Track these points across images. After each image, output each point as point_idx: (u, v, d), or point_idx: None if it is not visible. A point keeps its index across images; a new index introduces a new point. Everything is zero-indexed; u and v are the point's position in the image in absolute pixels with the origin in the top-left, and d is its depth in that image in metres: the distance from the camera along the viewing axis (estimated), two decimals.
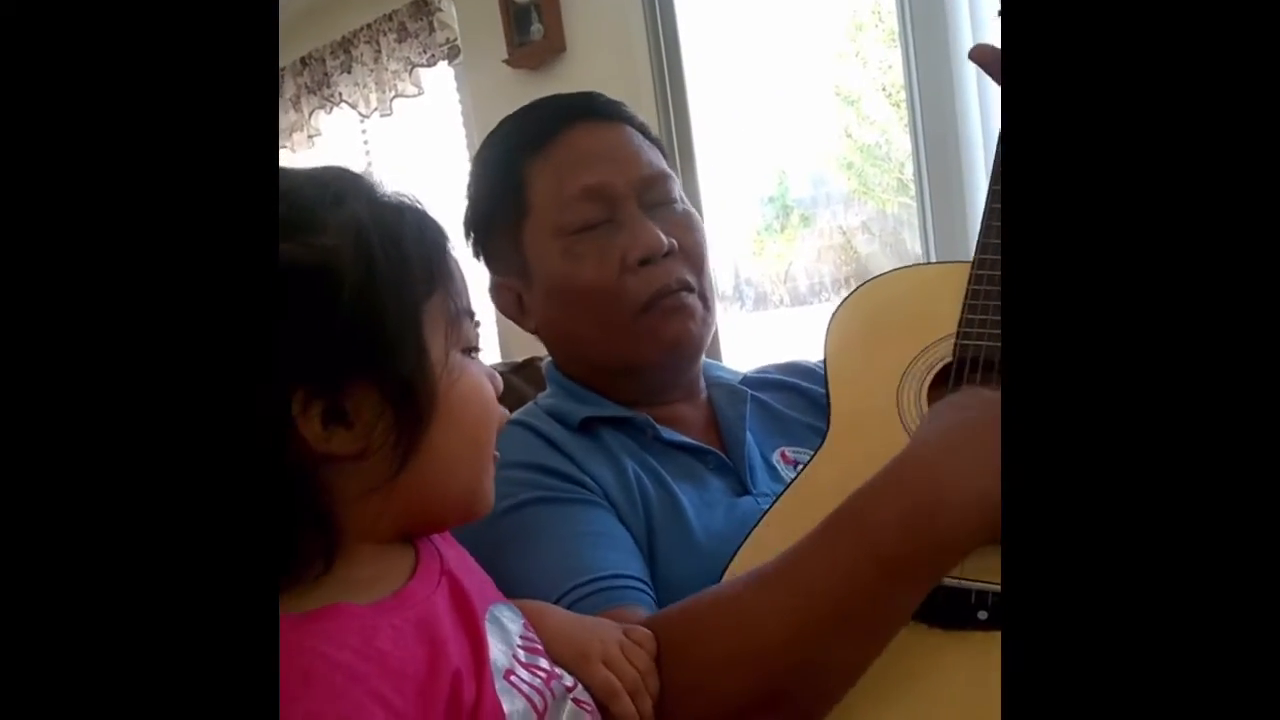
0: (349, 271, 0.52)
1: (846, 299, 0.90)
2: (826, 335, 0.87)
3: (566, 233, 0.88)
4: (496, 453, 0.62)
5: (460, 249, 0.68)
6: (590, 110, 0.92)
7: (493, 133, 0.95)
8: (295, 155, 3.25)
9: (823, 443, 0.79)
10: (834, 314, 0.89)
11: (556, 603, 0.70)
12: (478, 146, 0.96)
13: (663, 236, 0.87)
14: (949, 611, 0.62)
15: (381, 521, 0.55)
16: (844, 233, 2.53)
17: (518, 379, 1.14)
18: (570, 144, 0.90)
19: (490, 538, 0.75)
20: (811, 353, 1.06)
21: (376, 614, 0.50)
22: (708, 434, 0.93)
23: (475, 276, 0.65)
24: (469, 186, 0.96)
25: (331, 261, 0.51)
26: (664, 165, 0.93)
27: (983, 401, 0.68)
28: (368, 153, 3.18)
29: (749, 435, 0.92)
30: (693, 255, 0.90)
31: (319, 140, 3.25)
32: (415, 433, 0.54)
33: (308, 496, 0.51)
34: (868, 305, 0.89)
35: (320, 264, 0.51)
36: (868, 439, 0.76)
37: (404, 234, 0.56)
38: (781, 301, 2.51)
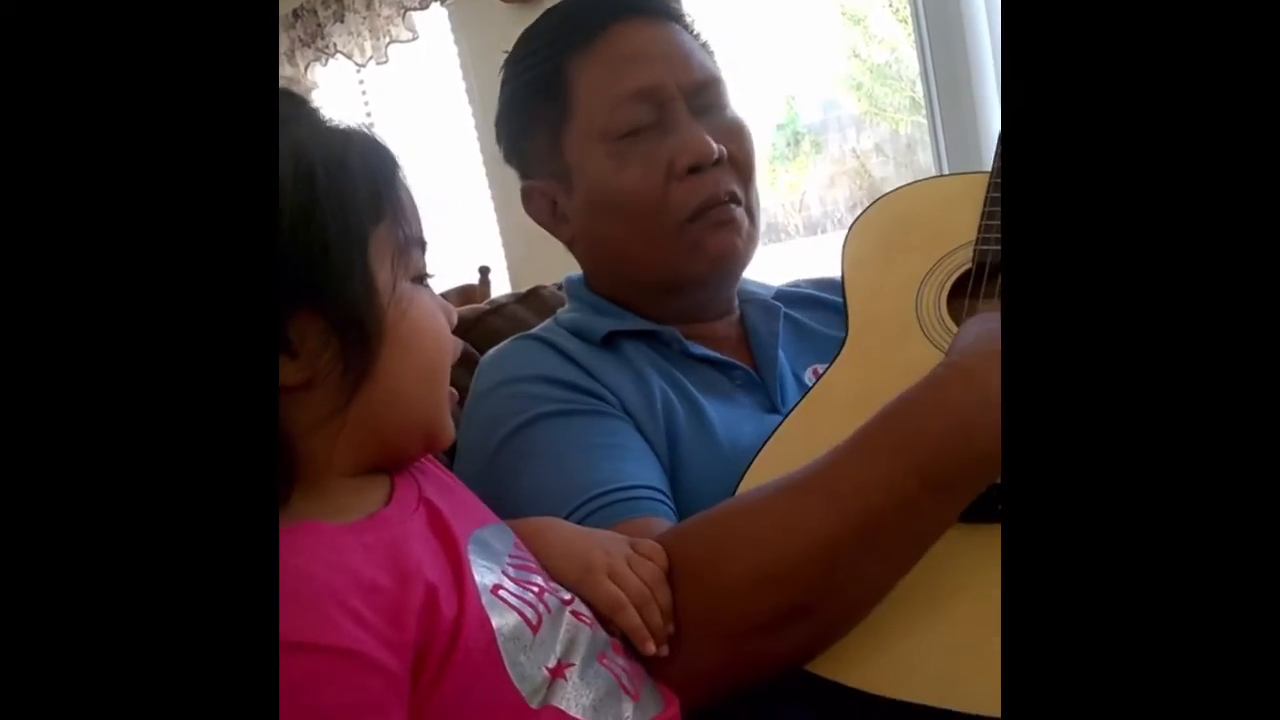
0: (288, 196, 0.50)
1: (864, 212, 0.88)
2: (844, 248, 0.86)
3: (613, 136, 0.83)
4: (453, 390, 0.60)
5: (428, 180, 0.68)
6: (639, 5, 0.86)
7: (532, 27, 0.90)
8: None
9: (840, 351, 0.77)
10: (851, 227, 0.87)
11: (568, 518, 0.68)
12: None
13: (713, 143, 0.82)
14: (982, 507, 0.60)
15: (343, 453, 0.54)
16: (857, 156, 2.48)
17: (523, 308, 1.10)
18: (619, 41, 0.84)
19: (502, 456, 0.73)
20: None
21: (348, 533, 0.49)
22: (739, 350, 0.90)
23: (432, 206, 0.63)
24: (503, 84, 0.90)
25: None
26: (715, 69, 0.87)
27: None
28: (366, 103, 3.13)
29: (781, 353, 0.88)
30: (742, 166, 0.85)
31: (316, 94, 3.20)
32: (363, 362, 0.53)
33: None
34: (885, 217, 0.88)
35: None
36: (886, 346, 0.75)
37: (349, 159, 0.54)
38: (796, 231, 2.47)
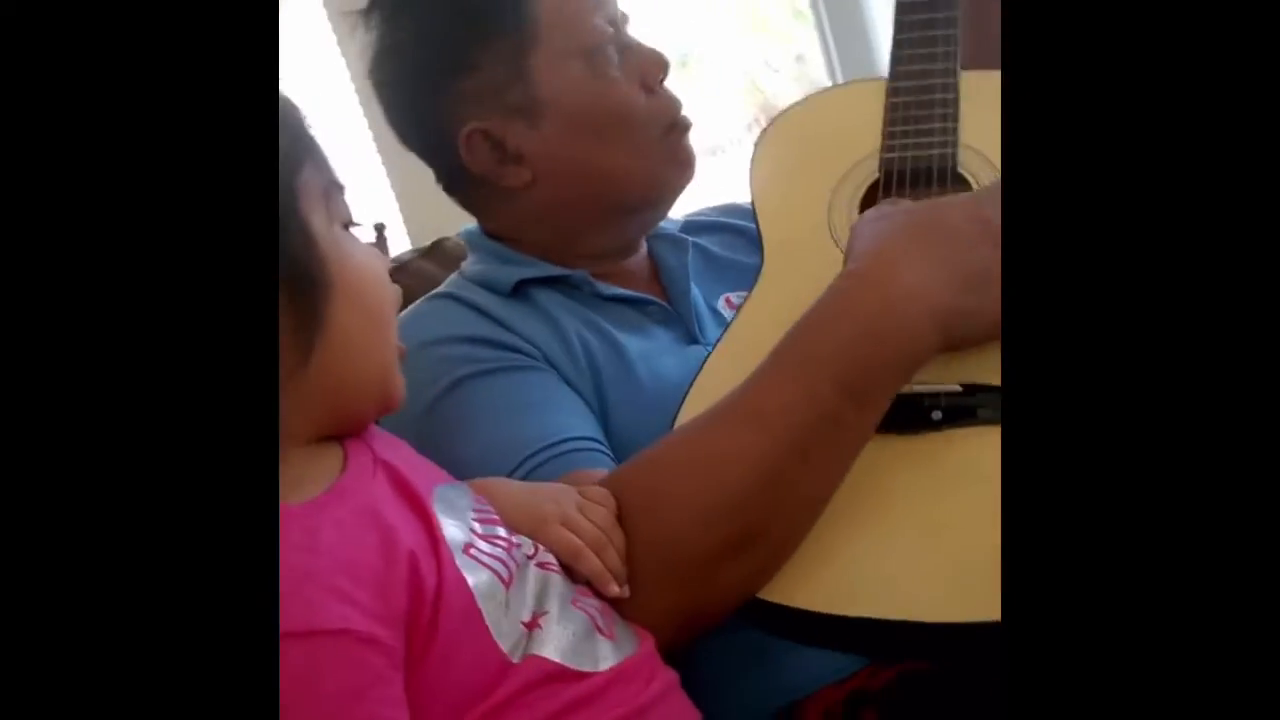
0: None
1: (765, 131, 0.88)
2: (750, 171, 0.85)
3: (582, 54, 0.81)
4: (402, 345, 0.59)
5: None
6: None
7: None
8: None
9: (758, 277, 0.77)
10: (755, 148, 0.86)
11: (510, 477, 0.67)
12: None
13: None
14: (904, 418, 0.62)
15: (298, 419, 0.52)
16: (745, 74, 2.46)
17: (429, 263, 1.07)
18: None
19: (430, 423, 0.72)
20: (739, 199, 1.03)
21: (314, 510, 0.48)
22: (651, 285, 0.89)
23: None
24: (404, 26, 0.82)
25: None
26: None
27: (907, 211, 0.67)
28: None
29: (693, 284, 0.88)
30: None
31: None
32: (314, 314, 0.51)
33: None
34: (787, 135, 0.87)
35: None
36: (804, 265, 0.74)
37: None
38: (704, 153, 2.44)
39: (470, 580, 0.50)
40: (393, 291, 0.58)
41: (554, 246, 0.86)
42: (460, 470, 0.63)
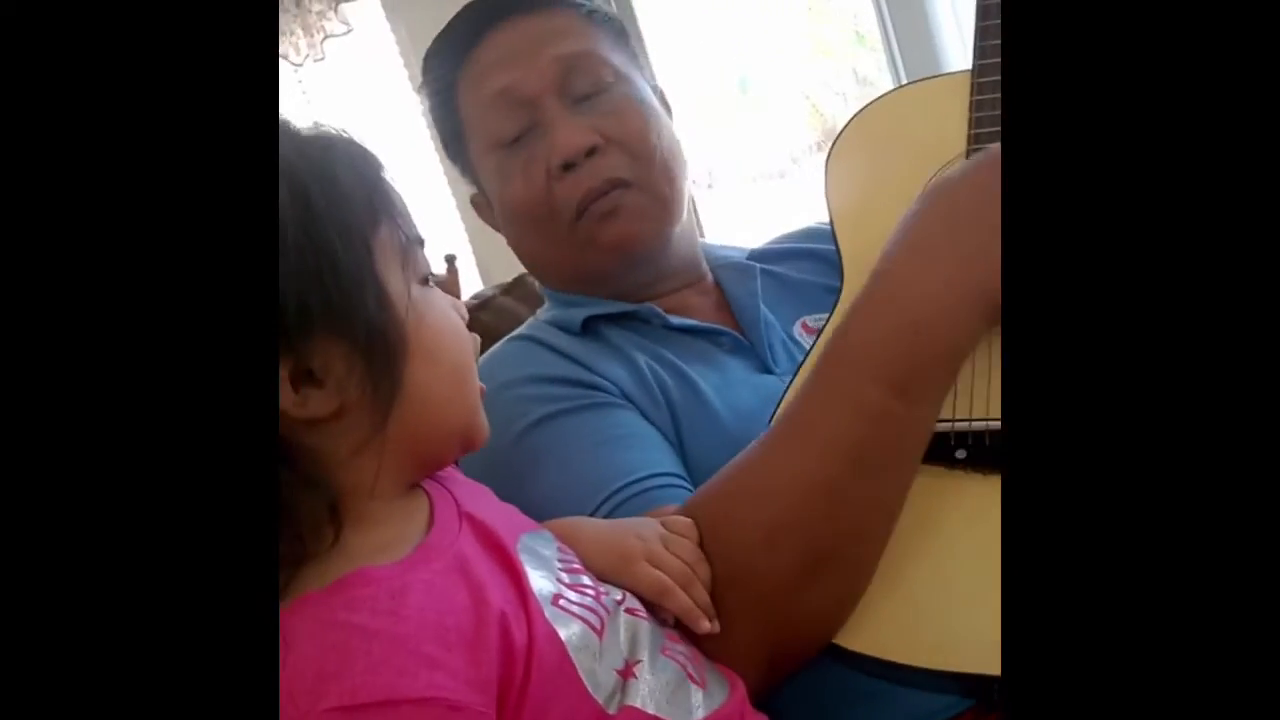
0: (287, 221, 0.47)
1: (839, 137, 0.80)
2: (825, 181, 0.79)
3: (497, 147, 0.84)
4: (482, 385, 0.59)
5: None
6: (512, 6, 0.84)
7: (431, 46, 0.89)
8: None
9: (838, 296, 0.74)
10: (829, 155, 0.80)
11: (592, 515, 0.67)
12: (419, 75, 0.92)
13: (581, 134, 0.80)
14: (978, 455, 0.60)
15: (382, 476, 0.51)
16: (807, 97, 2.47)
17: (510, 300, 1.10)
18: (490, 48, 0.84)
19: (511, 463, 0.72)
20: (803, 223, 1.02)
21: (403, 571, 0.48)
22: (720, 315, 0.88)
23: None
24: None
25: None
26: (590, 44, 0.84)
27: (932, 193, 0.64)
28: (308, 102, 3.08)
29: (763, 311, 0.87)
30: (632, 145, 0.82)
31: None
32: (392, 379, 0.51)
33: (298, 467, 0.48)
34: (864, 139, 0.80)
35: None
36: None
37: (336, 167, 0.51)
38: (755, 178, 2.46)
39: (562, 634, 0.49)
40: (471, 341, 0.58)
41: (599, 290, 0.86)
42: (542, 508, 0.63)
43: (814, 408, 0.61)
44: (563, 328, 0.84)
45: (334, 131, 0.54)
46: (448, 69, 0.86)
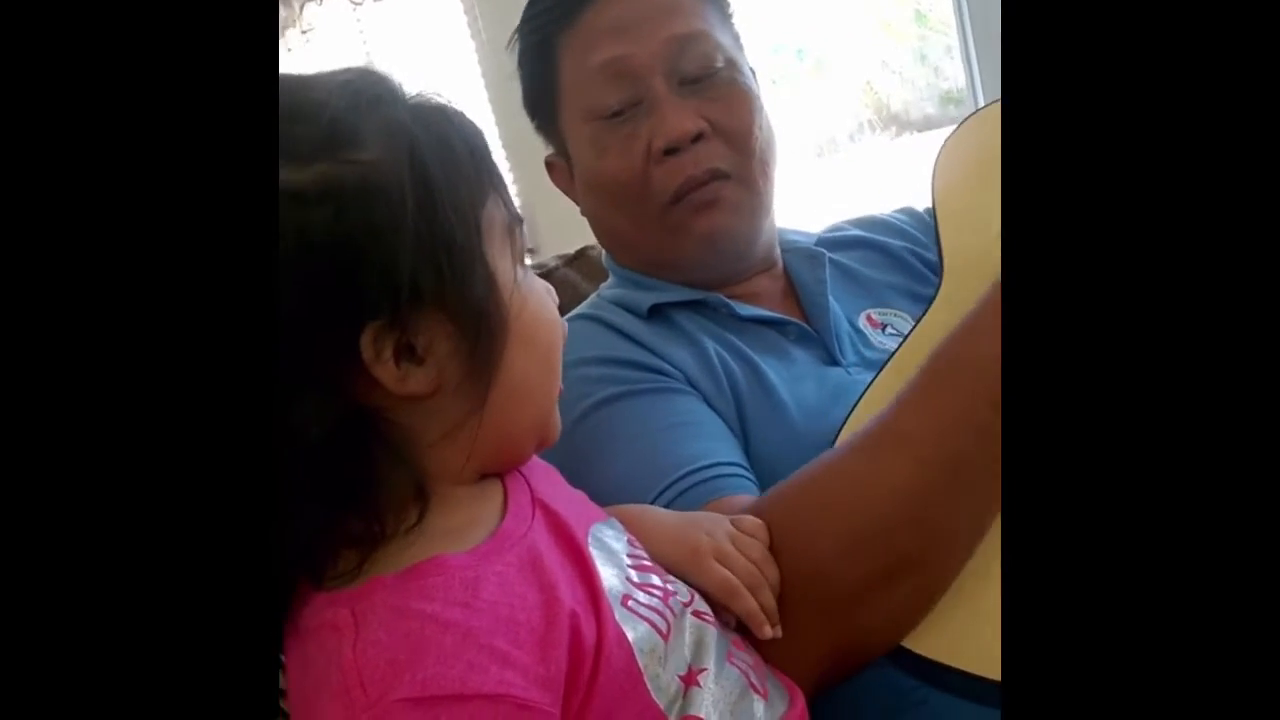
0: (406, 188, 0.46)
1: (952, 135, 0.80)
2: (933, 174, 0.79)
3: (595, 117, 0.81)
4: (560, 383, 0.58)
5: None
6: None
7: (531, 1, 0.86)
8: (292, 54, 3.14)
9: (937, 291, 0.73)
10: (940, 152, 0.80)
11: (653, 503, 0.66)
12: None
13: (689, 121, 0.79)
14: None
15: (465, 462, 0.51)
16: (862, 74, 2.45)
17: (571, 271, 1.09)
18: (602, 12, 0.81)
19: (572, 445, 0.70)
20: (859, 203, 1.01)
21: (477, 561, 0.47)
22: (786, 304, 0.87)
23: None
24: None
25: (382, 179, 0.46)
26: (703, 24, 0.82)
27: None
28: (365, 43, 3.08)
29: (831, 301, 0.86)
30: (733, 134, 0.81)
31: (313, 35, 3.14)
32: (492, 362, 0.49)
33: (389, 443, 0.48)
34: (977, 137, 0.78)
35: (366, 182, 0.46)
36: (987, 280, 0.67)
37: (453, 139, 0.50)
38: (805, 152, 2.43)
39: (630, 635, 0.48)
40: (562, 330, 0.57)
41: (669, 273, 0.85)
42: (602, 492, 0.62)
43: (913, 415, 0.59)
44: (629, 309, 0.84)
45: (443, 98, 0.52)
46: (552, 23, 0.83)
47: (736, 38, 0.87)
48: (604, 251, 0.93)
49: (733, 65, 0.83)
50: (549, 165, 0.91)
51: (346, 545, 0.47)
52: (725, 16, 0.86)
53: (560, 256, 1.14)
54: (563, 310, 0.86)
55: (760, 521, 0.60)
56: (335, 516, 0.46)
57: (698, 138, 0.79)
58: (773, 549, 0.59)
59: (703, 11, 0.83)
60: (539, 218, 2.22)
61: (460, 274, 0.48)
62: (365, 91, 0.49)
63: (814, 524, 0.59)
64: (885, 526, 0.57)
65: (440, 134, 0.49)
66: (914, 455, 0.57)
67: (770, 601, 0.56)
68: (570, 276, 1.09)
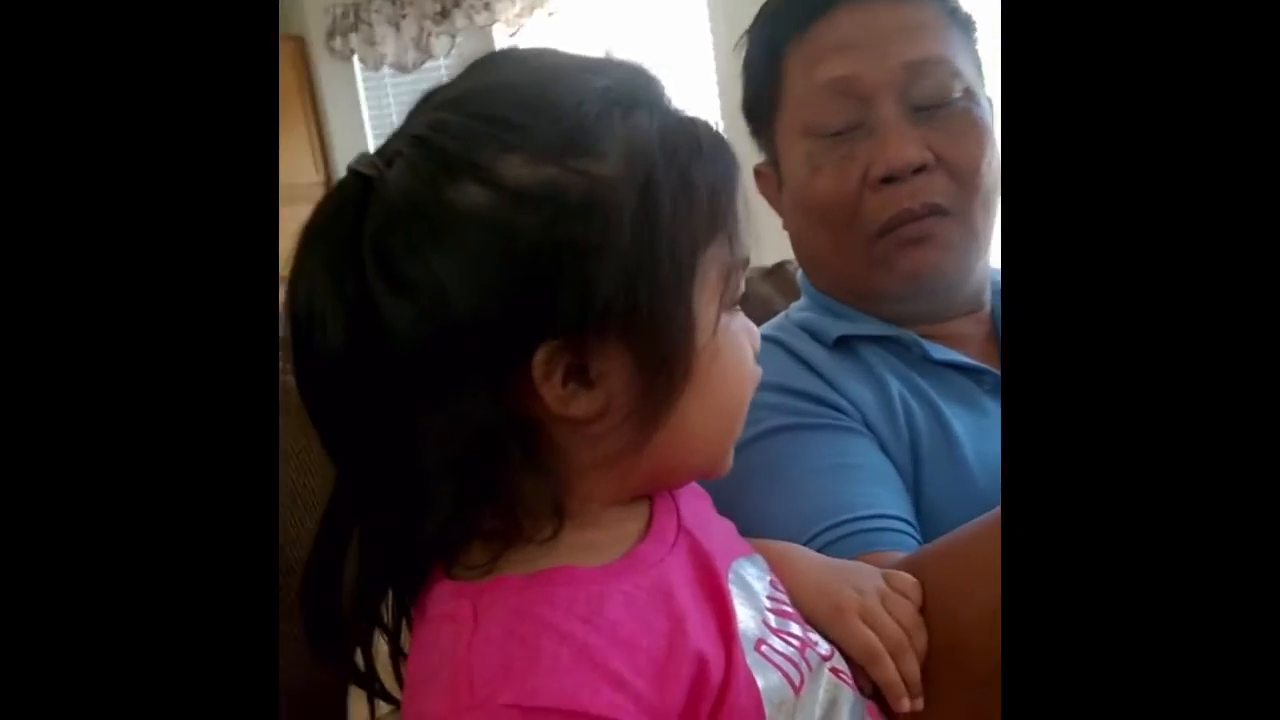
0: (628, 214, 0.43)
1: None
2: None
3: (813, 134, 0.77)
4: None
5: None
6: None
7: (764, 3, 0.83)
8: (536, 35, 3.18)
9: None
10: None
11: (806, 545, 0.63)
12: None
13: (914, 149, 0.74)
14: None
15: (614, 486, 0.49)
16: None
17: (767, 286, 1.06)
18: (836, 24, 0.77)
19: (734, 471, 0.67)
20: None
21: (606, 578, 0.45)
22: (987, 352, 0.81)
23: None
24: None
25: (606, 195, 0.43)
26: (944, 49, 0.77)
27: None
28: (607, 26, 3.10)
29: None
30: (960, 169, 0.76)
31: (558, 16, 3.18)
32: (662, 408, 0.46)
33: (541, 457, 0.46)
34: None
35: (595, 199, 0.43)
36: None
37: (693, 165, 0.46)
38: None
39: (760, 682, 0.46)
40: (755, 383, 0.53)
41: (865, 302, 0.81)
42: (752, 525, 0.60)
43: None
44: (815, 335, 0.80)
45: (701, 119, 0.49)
46: (781, 30, 0.80)
47: (979, 64, 0.81)
48: (800, 271, 0.90)
49: (970, 96, 0.77)
50: (757, 173, 0.87)
51: (481, 539, 0.46)
52: (970, 40, 0.81)
53: (758, 269, 1.11)
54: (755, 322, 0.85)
55: (915, 580, 0.56)
56: (470, 509, 0.45)
57: (920, 169, 0.74)
58: (923, 612, 0.55)
59: (946, 35, 0.78)
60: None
61: (657, 313, 0.44)
62: (623, 101, 0.46)
63: (961, 589, 0.54)
64: None
65: (684, 165, 0.46)
66: None
67: (913, 671, 0.52)
68: (763, 291, 1.07)
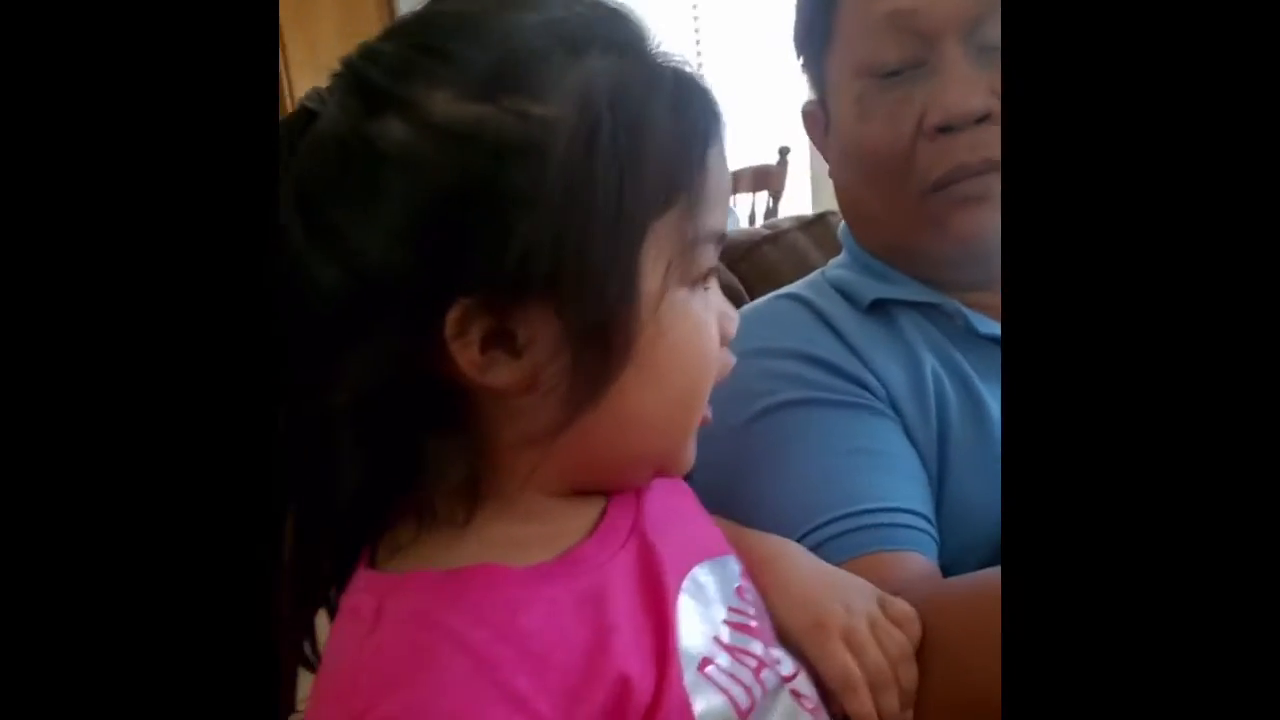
0: (558, 159, 0.39)
1: None
2: None
3: (866, 73, 0.69)
4: (707, 413, 0.48)
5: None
6: None
7: None
8: None
9: None
10: None
11: (810, 534, 0.58)
12: None
13: (975, 96, 0.65)
14: None
15: (547, 473, 0.44)
16: None
17: (805, 237, 0.98)
18: None
19: (739, 446, 0.63)
20: None
21: (530, 581, 0.41)
22: None
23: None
24: None
25: (539, 139, 0.39)
26: None
27: None
28: None
29: None
30: None
31: None
32: (595, 384, 0.41)
33: (460, 428, 0.42)
34: None
35: (521, 141, 0.39)
36: None
37: (654, 115, 0.41)
38: None
39: (697, 707, 0.41)
40: (716, 367, 0.47)
41: (909, 263, 0.74)
42: (757, 510, 0.56)
43: None
44: (849, 296, 0.73)
45: (682, 64, 0.44)
46: None
47: None
48: (844, 225, 0.82)
49: None
50: (805, 114, 0.79)
51: (398, 522, 0.43)
52: None
53: (796, 219, 1.03)
54: (787, 281, 0.77)
55: (912, 611, 0.50)
56: (382, 484, 0.42)
57: (983, 119, 0.66)
58: (926, 648, 0.49)
59: None
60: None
61: (586, 276, 0.39)
62: (577, 38, 0.41)
63: (980, 633, 0.47)
64: None
65: (641, 116, 0.41)
66: None
67: (892, 708, 0.47)
68: (801, 242, 0.98)
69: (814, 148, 0.81)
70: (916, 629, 0.49)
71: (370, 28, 3.48)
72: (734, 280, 0.93)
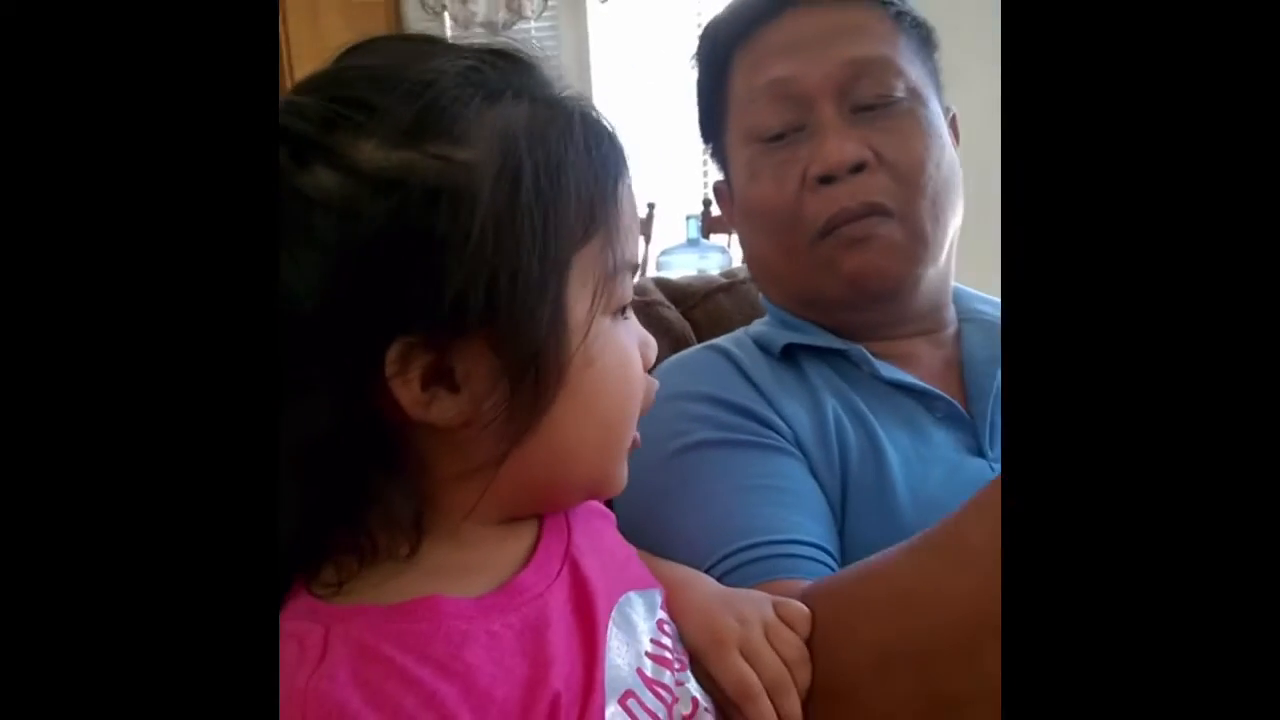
0: (485, 200, 0.40)
1: None
2: None
3: (754, 139, 0.76)
4: (637, 435, 0.50)
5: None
6: None
7: (717, 14, 0.83)
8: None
9: None
10: None
11: (717, 565, 0.61)
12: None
13: (850, 149, 0.72)
14: None
15: (486, 503, 0.45)
16: None
17: (727, 299, 1.01)
18: (780, 29, 0.77)
19: (655, 483, 0.67)
20: None
21: (474, 614, 0.42)
22: (945, 378, 0.77)
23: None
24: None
25: (465, 184, 0.40)
26: (888, 50, 0.75)
27: None
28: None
29: (998, 384, 0.74)
30: (902, 169, 0.73)
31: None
32: (531, 414, 0.43)
33: (401, 465, 0.43)
34: None
35: (448, 185, 0.40)
36: None
37: (568, 156, 0.44)
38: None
39: None
40: (641, 392, 0.49)
41: (818, 315, 0.79)
42: (668, 543, 0.59)
43: (975, 524, 0.48)
44: (763, 346, 0.79)
45: (588, 107, 0.47)
46: (726, 41, 0.79)
47: (934, 74, 0.80)
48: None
49: (915, 97, 0.75)
50: (716, 192, 0.86)
51: (340, 554, 0.43)
52: (925, 50, 0.79)
53: (711, 280, 1.08)
54: (737, 328, 0.84)
55: (805, 610, 0.52)
56: (322, 520, 0.43)
57: (859, 168, 0.73)
58: (810, 646, 0.51)
59: (892, 38, 0.76)
60: None
61: (519, 312, 0.42)
62: (490, 84, 0.44)
63: (849, 626, 0.51)
64: (925, 649, 0.48)
65: (556, 156, 0.43)
66: (971, 570, 0.46)
67: (794, 710, 0.49)
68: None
69: None
70: (809, 626, 0.51)
71: (375, 27, 3.07)
72: (686, 327, 0.97)
